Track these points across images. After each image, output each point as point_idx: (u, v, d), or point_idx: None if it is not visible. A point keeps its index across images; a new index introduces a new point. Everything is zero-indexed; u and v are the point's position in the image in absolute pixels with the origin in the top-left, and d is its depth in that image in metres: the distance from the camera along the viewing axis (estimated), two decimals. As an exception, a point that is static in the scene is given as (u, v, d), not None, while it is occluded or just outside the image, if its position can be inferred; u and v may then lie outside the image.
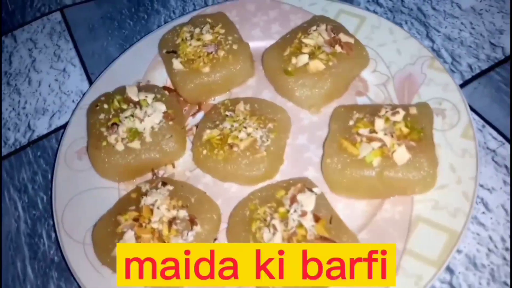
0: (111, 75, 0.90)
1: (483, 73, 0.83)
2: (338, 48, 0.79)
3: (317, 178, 0.72)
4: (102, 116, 0.78)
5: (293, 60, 0.79)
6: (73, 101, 0.95)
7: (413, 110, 0.68)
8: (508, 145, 0.74)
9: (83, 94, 0.89)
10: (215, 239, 0.69)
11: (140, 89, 0.81)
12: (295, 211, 0.63)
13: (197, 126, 0.82)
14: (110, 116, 0.78)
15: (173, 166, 0.79)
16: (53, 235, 0.78)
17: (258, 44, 0.89)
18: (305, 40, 0.80)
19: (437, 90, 0.76)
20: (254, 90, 0.85)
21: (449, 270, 0.64)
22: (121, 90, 0.81)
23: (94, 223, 0.72)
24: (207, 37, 0.84)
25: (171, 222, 0.65)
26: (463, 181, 0.66)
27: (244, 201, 0.68)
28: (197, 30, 0.86)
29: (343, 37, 0.80)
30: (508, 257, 0.64)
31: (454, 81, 0.76)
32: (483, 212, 0.69)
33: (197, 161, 0.76)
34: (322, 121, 0.79)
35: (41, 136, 0.91)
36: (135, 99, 0.79)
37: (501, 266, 0.64)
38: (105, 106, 0.79)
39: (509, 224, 0.67)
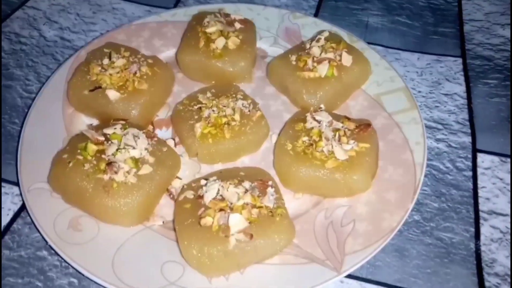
0: (29, 150, 0.76)
1: (315, 15, 1.13)
2: (237, 25, 0.92)
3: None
4: (86, 167, 0.67)
5: (212, 46, 0.87)
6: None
7: (325, 34, 0.90)
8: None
9: (18, 179, 0.71)
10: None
11: (96, 129, 0.73)
12: (325, 125, 0.74)
13: (173, 138, 0.80)
14: (95, 162, 0.68)
15: (180, 179, 0.75)
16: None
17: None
18: (208, 30, 0.89)
19: (313, 27, 1.00)
20: (185, 93, 0.88)
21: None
22: (76, 140, 0.71)
23: (158, 264, 0.63)
24: (121, 61, 0.83)
25: (247, 191, 0.65)
26: (378, 63, 0.91)
27: (279, 151, 0.74)
28: (106, 61, 0.83)
29: (235, 17, 0.94)
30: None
31: (318, 19, 1.02)
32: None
33: (205, 156, 0.76)
34: (258, 84, 0.91)
35: (-17, 258, 0.67)
36: (101, 138, 0.71)
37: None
38: (79, 157, 0.68)
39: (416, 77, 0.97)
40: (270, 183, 0.68)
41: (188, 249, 0.60)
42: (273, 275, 0.62)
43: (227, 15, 0.94)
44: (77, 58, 0.89)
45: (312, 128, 0.74)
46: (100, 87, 0.79)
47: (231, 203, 0.64)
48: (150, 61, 0.85)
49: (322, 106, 0.79)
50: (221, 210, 0.63)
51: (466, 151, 0.84)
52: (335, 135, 0.73)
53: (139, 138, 0.71)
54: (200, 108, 0.79)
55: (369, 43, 1.02)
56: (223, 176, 0.69)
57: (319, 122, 0.75)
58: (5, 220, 0.72)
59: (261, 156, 0.79)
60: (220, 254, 0.60)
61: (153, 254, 0.65)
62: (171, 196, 0.73)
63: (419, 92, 0.94)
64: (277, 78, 0.88)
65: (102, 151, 0.69)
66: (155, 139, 0.74)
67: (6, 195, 0.75)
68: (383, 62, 0.92)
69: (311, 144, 0.72)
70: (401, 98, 0.85)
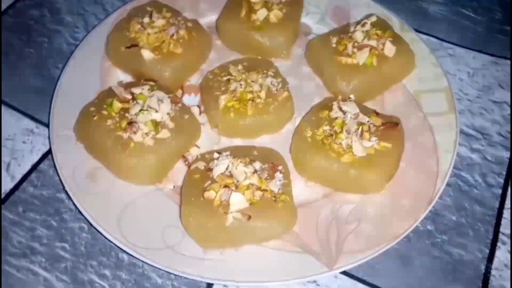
0: (65, 95, 0.79)
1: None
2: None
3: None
4: (109, 122, 0.70)
5: (254, 17, 0.85)
6: (23, 142, 0.79)
7: (373, 19, 0.85)
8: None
9: (50, 122, 0.76)
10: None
11: (125, 87, 0.75)
12: (350, 117, 0.71)
13: (198, 106, 0.81)
14: (118, 119, 0.70)
15: (198, 147, 0.76)
16: (106, 272, 0.66)
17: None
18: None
19: (364, 9, 0.94)
20: (220, 61, 0.87)
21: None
22: (109, 94, 0.74)
23: (161, 226, 0.65)
24: (160, 22, 0.83)
25: (256, 173, 0.65)
26: (425, 57, 0.86)
27: (298, 136, 0.73)
28: (146, 19, 0.84)
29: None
30: (470, 97, 0.87)
31: (373, 2, 0.96)
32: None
33: (225, 128, 0.76)
34: (296, 62, 0.88)
35: (9, 191, 0.73)
36: (129, 96, 0.73)
37: (470, 104, 0.86)
38: (104, 112, 0.71)
39: (456, 78, 0.90)
40: (280, 167, 0.67)
41: (188, 218, 0.62)
42: (266, 258, 0.63)
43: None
44: (122, 13, 0.90)
45: (337, 118, 0.72)
46: (136, 45, 0.81)
47: (238, 181, 0.64)
48: (189, 24, 0.85)
49: (351, 96, 0.75)
50: (226, 186, 0.63)
51: (501, 166, 0.78)
52: (358, 129, 0.70)
53: (162, 102, 0.72)
54: (228, 80, 0.79)
55: (423, 33, 0.96)
56: (237, 152, 0.69)
57: (344, 112, 0.72)
58: (34, 159, 0.77)
59: (282, 138, 0.78)
60: (217, 228, 0.61)
61: (158, 216, 0.67)
62: (186, 162, 0.74)
63: (466, 94, 0.88)
64: (314, 59, 0.86)
65: (127, 110, 0.71)
66: (179, 105, 0.75)
67: (39, 136, 0.80)
68: (431, 57, 0.86)
69: (331, 135, 0.70)
70: (441, 100, 0.80)
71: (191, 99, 0.84)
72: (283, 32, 0.86)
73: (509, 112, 0.85)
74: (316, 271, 0.61)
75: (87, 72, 0.83)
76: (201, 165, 0.68)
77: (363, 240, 0.65)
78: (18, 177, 0.75)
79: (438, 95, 0.81)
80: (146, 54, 0.79)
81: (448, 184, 0.75)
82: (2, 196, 0.73)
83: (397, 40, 0.82)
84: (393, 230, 0.65)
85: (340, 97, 0.74)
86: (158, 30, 0.82)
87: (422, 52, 0.86)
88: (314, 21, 0.95)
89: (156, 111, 0.71)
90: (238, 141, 0.78)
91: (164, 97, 0.73)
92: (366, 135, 0.69)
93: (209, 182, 0.65)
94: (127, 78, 0.84)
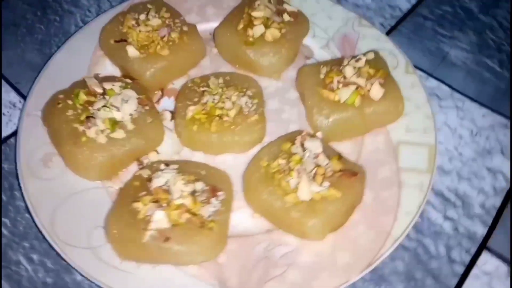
0: (49, 77, 0.81)
1: (393, 28, 1.00)
2: (286, 17, 0.86)
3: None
4: (70, 112, 0.71)
5: (250, 32, 0.83)
6: (4, 114, 0.83)
7: (370, 56, 0.79)
8: (431, 78, 0.91)
9: (26, 100, 0.78)
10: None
11: (100, 80, 0.76)
12: (308, 156, 0.67)
13: (171, 111, 0.80)
14: (79, 111, 0.71)
15: (157, 153, 0.76)
16: (34, 257, 0.68)
17: (198, 27, 0.91)
18: (254, 13, 0.85)
19: (372, 42, 0.89)
20: (210, 69, 0.87)
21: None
22: (80, 84, 0.75)
23: (93, 225, 0.65)
24: (155, 21, 0.83)
25: (192, 195, 0.63)
26: (420, 106, 0.79)
27: (253, 163, 0.70)
28: (142, 17, 0.84)
29: (287, 7, 0.87)
30: (464, 159, 0.80)
31: (384, 33, 0.90)
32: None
33: (187, 140, 0.75)
34: (286, 84, 0.85)
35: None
36: (99, 90, 0.74)
37: (462, 167, 0.78)
38: (69, 102, 0.72)
39: (455, 135, 0.83)
40: (220, 193, 0.65)
41: (110, 224, 0.62)
42: (179, 283, 0.61)
43: (282, 2, 0.88)
44: (126, 6, 0.91)
45: (295, 154, 0.68)
46: (125, 41, 0.81)
47: (172, 199, 0.63)
48: (185, 28, 0.84)
49: (319, 134, 0.71)
50: (156, 201, 0.62)
51: (472, 243, 0.70)
52: (312, 171, 0.66)
53: (126, 102, 0.72)
54: (203, 91, 0.77)
55: (435, 78, 0.89)
56: (185, 168, 0.68)
57: (305, 149, 0.68)
58: (7, 132, 0.80)
59: (247, 159, 0.75)
60: (134, 242, 0.60)
61: (93, 214, 0.67)
62: (140, 166, 0.74)
63: (460, 155, 0.80)
64: (301, 86, 0.82)
65: (92, 103, 0.72)
66: (147, 107, 0.74)
67: (19, 111, 0.83)
68: (426, 107, 0.79)
69: (284, 170, 0.67)
70: (423, 157, 0.74)
71: (168, 102, 0.83)
72: (276, 52, 0.83)
73: (502, 185, 0.76)
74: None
75: (77, 58, 0.85)
76: (145, 173, 0.67)
77: (283, 285, 0.61)
78: (-13, 145, 0.78)
79: (421, 151, 0.74)
80: (131, 50, 0.80)
81: (405, 248, 0.69)
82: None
83: (389, 83, 0.76)
84: (319, 285, 0.61)
85: (305, 133, 0.70)
86: (150, 29, 0.82)
87: (419, 99, 0.80)
88: (318, 46, 0.90)
89: (118, 110, 0.71)
90: (199, 155, 0.76)
91: (131, 97, 0.73)
92: (319, 178, 0.65)
93: (144, 192, 0.64)
94: (115, 71, 0.85)
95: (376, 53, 0.81)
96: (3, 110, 0.83)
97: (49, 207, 0.67)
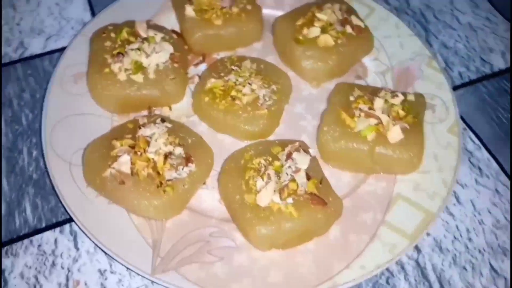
0: (117, 10, 0.88)
1: (471, 82, 0.90)
2: (348, 29, 0.82)
3: (310, 145, 0.74)
4: (108, 43, 0.77)
5: (305, 31, 0.81)
6: (72, 28, 0.92)
7: (411, 97, 0.73)
8: (484, 150, 0.81)
9: (86, 23, 0.87)
10: (204, 183, 0.70)
11: (149, 26, 0.81)
12: (289, 166, 0.65)
13: (199, 75, 0.82)
14: (116, 46, 0.77)
15: (170, 109, 0.79)
16: (34, 152, 0.76)
17: (268, 11, 0.91)
18: (318, 15, 0.83)
19: (431, 86, 0.81)
20: (258, 54, 0.87)
21: (417, 249, 0.69)
22: (130, 24, 0.80)
23: (83, 146, 0.71)
24: (223, -9, 0.85)
25: (166, 155, 0.66)
26: (444, 170, 0.71)
27: (240, 150, 0.70)
28: (217, -16, 0.86)
29: (354, 20, 0.83)
30: (470, 246, 0.70)
31: (448, 82, 0.82)
32: (454, 204, 0.74)
33: (197, 107, 0.77)
34: (320, 95, 0.82)
35: (35, 55, 0.88)
36: (143, 35, 0.79)
37: (463, 253, 0.69)
38: (112, 35, 0.78)
39: (475, 218, 0.73)
40: (192, 166, 0.66)
41: (89, 148, 0.68)
42: (121, 227, 0.64)
43: (351, 13, 0.84)
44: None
45: (279, 160, 0.66)
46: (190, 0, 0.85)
47: (147, 151, 0.65)
48: (249, 7, 0.85)
49: (312, 151, 0.68)
50: (132, 146, 0.65)
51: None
52: (283, 182, 0.63)
53: (158, 53, 0.76)
54: (232, 70, 0.78)
55: (489, 152, 0.80)
56: (176, 129, 0.70)
57: (289, 160, 0.66)
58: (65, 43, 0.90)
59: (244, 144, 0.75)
60: (98, 173, 0.64)
61: (88, 137, 0.70)
62: (148, 112, 0.77)
63: (469, 240, 0.71)
64: (329, 98, 0.78)
65: (130, 43, 0.77)
66: (176, 65, 0.77)
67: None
68: (450, 174, 0.71)
69: (259, 171, 0.65)
70: (414, 221, 0.67)
71: (203, 68, 0.84)
72: (321, 59, 0.80)
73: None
74: (140, 265, 0.60)
75: (148, 2, 0.90)
76: (142, 120, 0.71)
77: (202, 275, 0.61)
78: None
79: (415, 215, 0.67)
80: (188, 10, 0.83)
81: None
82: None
83: (414, 132, 0.69)
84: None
85: (298, 144, 0.68)
86: (215, -3, 0.84)
87: (446, 163, 0.72)
88: (375, 70, 0.85)
89: (147, 57, 0.75)
90: (204, 126, 0.77)
91: (165, 50, 0.77)
92: (285, 192, 0.62)
93: (130, 135, 0.68)
94: (176, 26, 0.89)
95: (419, 96, 0.74)
96: (74, 26, 0.93)
97: (58, 115, 0.74)
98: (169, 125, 0.70)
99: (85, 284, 0.64)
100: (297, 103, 0.81)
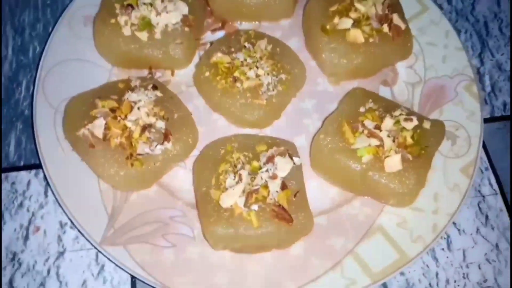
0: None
1: (509, 117, 0.78)
2: (385, 28, 0.72)
3: (304, 148, 0.69)
4: (120, -6, 0.73)
5: (336, 20, 0.73)
6: None
7: (427, 125, 0.64)
8: (499, 197, 0.71)
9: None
10: (181, 161, 0.67)
11: (172, -19, 0.75)
12: (267, 170, 0.60)
13: (211, 43, 0.77)
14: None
15: (172, 74, 0.75)
16: (31, 88, 0.76)
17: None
18: (357, 4, 0.73)
19: (461, 114, 0.71)
20: (283, 33, 0.79)
21: (385, 286, 0.64)
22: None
23: (73, 94, 0.69)
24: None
25: (145, 127, 0.63)
26: (439, 213, 0.64)
27: (224, 139, 0.65)
28: None
29: (395, 19, 0.73)
30: (444, 299, 0.64)
31: (481, 114, 0.71)
32: (443, 249, 0.67)
33: (197, 80, 0.72)
34: (336, 94, 0.74)
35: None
36: (161, -10, 0.73)
37: (434, 303, 0.64)
38: (129, -12, 0.73)
39: (461, 270, 0.66)
40: (169, 144, 0.63)
41: (73, 100, 0.67)
42: (87, 186, 0.64)
43: (395, 10, 0.73)
44: None
45: (259, 161, 0.61)
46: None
47: (127, 116, 0.63)
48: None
49: (297, 160, 0.62)
50: (113, 110, 0.63)
51: None
52: (255, 186, 0.59)
53: (169, 12, 0.70)
54: (245, 46, 0.71)
55: (504, 200, 0.70)
56: (164, 101, 0.66)
57: (269, 163, 0.61)
58: None
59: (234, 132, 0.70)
60: (74, 128, 0.63)
61: (82, 85, 0.69)
62: (149, 75, 0.74)
63: (435, 259, 0.64)
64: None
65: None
66: (187, 29, 0.72)
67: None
68: (442, 220, 0.63)
69: (235, 167, 0.61)
70: (386, 260, 0.61)
71: (220, 36, 0.79)
72: (345, 56, 0.71)
73: None
74: (91, 232, 0.60)
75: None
76: (134, 82, 0.67)
77: (148, 258, 0.59)
78: None
79: (391, 252, 0.61)
80: (218, -29, 0.76)
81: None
82: None
83: (416, 165, 0.62)
84: (173, 281, 0.58)
85: (283, 149, 0.62)
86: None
87: (442, 209, 0.64)
88: (405, 79, 0.76)
89: (157, 15, 0.70)
90: (201, 100, 0.73)
91: (179, 10, 0.71)
92: (251, 197, 0.58)
93: (116, 97, 0.65)
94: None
95: (439, 125, 0.65)
96: None
97: (59, 57, 0.72)
98: (160, 95, 0.66)
99: (44, 232, 0.65)
100: (308, 97, 0.74)
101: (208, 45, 0.77)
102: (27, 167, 0.70)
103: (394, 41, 0.72)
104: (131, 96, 0.65)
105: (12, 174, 0.69)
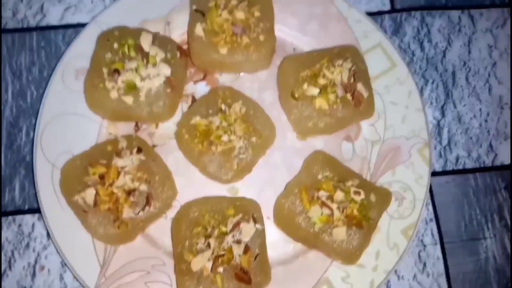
0: (127, 4, 0.86)
1: (464, 171, 0.87)
2: (349, 96, 0.79)
3: (271, 201, 0.79)
4: (109, 55, 0.78)
5: (305, 86, 0.79)
6: (92, 1, 0.92)
7: (373, 198, 0.74)
8: (438, 247, 0.83)
9: (101, 11, 0.86)
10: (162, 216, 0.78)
11: (155, 39, 0.80)
12: (233, 236, 0.71)
13: (194, 97, 0.84)
14: (116, 59, 0.78)
15: (156, 126, 0.83)
16: (31, 134, 0.85)
17: (287, 33, 0.87)
18: (325, 71, 0.79)
19: (411, 177, 0.80)
20: (260, 84, 0.86)
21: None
22: (136, 33, 0.80)
23: (67, 149, 0.78)
24: (240, 15, 0.81)
25: (130, 192, 0.73)
26: (378, 270, 0.75)
27: (199, 202, 0.75)
28: (234, 2, 0.82)
29: (359, 87, 0.79)
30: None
31: (429, 178, 0.80)
32: (383, 292, 0.80)
33: (178, 138, 0.80)
34: (301, 150, 0.82)
35: (51, 26, 0.90)
36: (146, 49, 0.79)
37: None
38: (115, 45, 0.79)
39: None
40: (151, 208, 0.73)
41: (68, 164, 0.76)
42: (76, 241, 0.75)
43: (360, 76, 0.79)
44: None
45: (226, 226, 0.72)
46: (203, 15, 0.82)
47: (114, 183, 0.73)
48: (261, 38, 0.81)
49: (258, 226, 0.73)
50: (102, 176, 0.73)
51: None
52: (220, 251, 0.70)
53: (151, 80, 0.77)
54: (221, 109, 0.79)
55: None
56: (147, 163, 0.75)
57: (235, 230, 0.72)
58: (82, 19, 0.91)
59: (212, 189, 0.81)
60: (70, 194, 0.73)
61: (74, 139, 0.79)
62: (135, 128, 0.82)
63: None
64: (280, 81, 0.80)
65: (131, 58, 0.78)
66: (168, 90, 0.78)
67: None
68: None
69: (206, 230, 0.72)
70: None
71: (203, 88, 0.85)
72: (310, 121, 0.79)
73: None
74: (86, 279, 0.73)
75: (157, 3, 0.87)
76: (122, 143, 0.76)
77: None
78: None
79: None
80: (198, 29, 0.81)
81: None
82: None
83: (362, 234, 0.72)
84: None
85: (248, 217, 0.73)
86: (230, 19, 0.81)
87: (385, 264, 0.76)
88: (367, 135, 0.84)
89: (142, 80, 0.77)
90: (180, 153, 0.81)
91: (161, 75, 0.78)
92: (217, 263, 0.70)
93: (104, 161, 0.74)
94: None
95: (385, 195, 0.75)
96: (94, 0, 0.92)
97: (53, 112, 0.80)
98: (143, 158, 0.76)
99: (48, 271, 0.78)
100: (278, 151, 0.83)
101: (190, 98, 0.84)
102: (31, 211, 0.81)
103: (356, 107, 0.79)
104: (118, 162, 0.74)
105: (19, 217, 0.80)
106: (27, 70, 0.88)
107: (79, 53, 0.83)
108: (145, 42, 0.79)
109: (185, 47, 0.85)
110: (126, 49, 0.79)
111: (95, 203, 0.72)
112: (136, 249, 0.76)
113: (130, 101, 0.77)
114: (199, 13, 0.82)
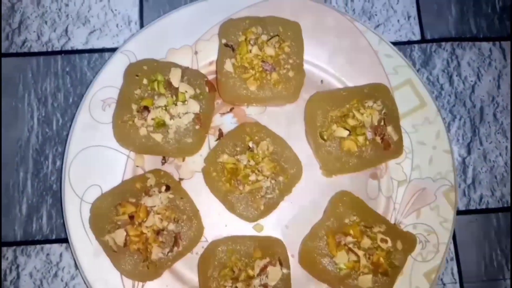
0: (162, 27, 0.85)
1: (487, 211, 0.87)
2: (378, 139, 0.78)
3: (295, 239, 0.79)
4: (138, 91, 0.78)
5: (334, 127, 0.79)
6: (117, 25, 0.90)
7: (399, 245, 0.74)
8: (458, 286, 0.84)
9: (128, 39, 0.85)
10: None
11: (184, 74, 0.79)
12: (260, 280, 0.72)
13: (220, 130, 0.84)
14: (145, 95, 0.78)
15: (183, 160, 0.83)
16: (57, 163, 0.85)
17: (314, 65, 0.86)
18: (355, 112, 0.79)
19: (435, 220, 0.81)
20: (288, 118, 0.85)
21: None
22: (165, 67, 0.79)
23: (96, 182, 0.78)
24: (270, 51, 0.80)
25: (159, 232, 0.74)
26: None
27: (225, 241, 0.76)
28: (264, 37, 0.80)
29: (389, 130, 0.79)
30: None
31: (454, 222, 0.80)
32: (401, 329, 0.82)
33: (205, 175, 0.80)
34: (329, 184, 0.83)
35: (76, 50, 0.89)
36: (176, 85, 0.78)
37: None
38: (145, 81, 0.78)
39: None
40: (179, 248, 0.74)
41: (99, 201, 0.77)
42: (103, 270, 0.77)
43: (390, 118, 0.79)
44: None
45: (253, 269, 0.73)
46: (233, 50, 0.80)
47: (144, 223, 0.73)
48: (290, 74, 0.81)
49: (285, 270, 0.74)
50: (132, 216, 0.73)
51: None
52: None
53: (180, 118, 0.77)
54: (249, 147, 0.79)
55: None
56: (176, 200, 0.76)
57: (262, 273, 0.73)
58: (109, 44, 0.89)
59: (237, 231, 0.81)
60: (101, 231, 0.74)
61: (102, 172, 0.79)
62: (163, 161, 0.82)
63: None
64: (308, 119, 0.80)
65: (160, 95, 0.78)
66: (197, 126, 0.78)
67: (129, 30, 0.90)
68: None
69: (232, 270, 0.73)
70: None
71: (231, 120, 0.85)
72: (337, 162, 0.79)
73: None
74: None
75: (191, 28, 0.85)
76: (151, 181, 0.77)
77: None
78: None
79: None
80: (228, 65, 0.80)
81: None
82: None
83: (386, 281, 0.73)
84: None
85: (272, 261, 0.74)
86: (260, 56, 0.80)
87: None
88: (393, 175, 0.84)
89: (171, 118, 0.77)
90: (206, 189, 0.82)
91: (190, 113, 0.77)
92: None
93: (134, 200, 0.75)
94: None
95: (411, 240, 0.76)
96: (119, 22, 0.90)
97: (80, 145, 0.80)
98: (171, 196, 0.76)
99: (77, 300, 0.80)
100: (303, 187, 0.82)
101: (217, 131, 0.84)
102: (59, 241, 0.82)
103: (385, 150, 0.79)
104: (147, 201, 0.75)
105: (47, 246, 0.82)
106: (52, 96, 0.87)
107: (106, 83, 0.82)
108: (175, 78, 0.78)
109: (212, 77, 0.84)
110: (155, 86, 0.78)
111: (125, 244, 0.73)
112: (164, 285, 0.77)
113: (159, 138, 0.77)
114: (228, 48, 0.81)
